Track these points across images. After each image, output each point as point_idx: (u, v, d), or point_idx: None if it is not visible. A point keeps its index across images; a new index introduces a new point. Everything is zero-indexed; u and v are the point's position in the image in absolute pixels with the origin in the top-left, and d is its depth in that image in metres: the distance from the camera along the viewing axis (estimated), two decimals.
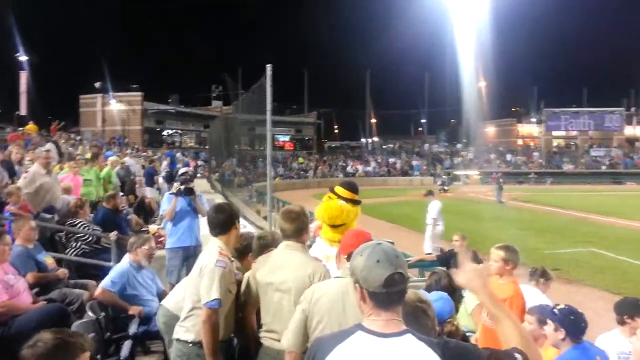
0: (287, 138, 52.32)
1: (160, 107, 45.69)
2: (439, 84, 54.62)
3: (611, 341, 3.57)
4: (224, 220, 3.28)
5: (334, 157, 51.07)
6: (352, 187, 4.46)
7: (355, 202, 4.36)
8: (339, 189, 4.37)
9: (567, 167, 46.93)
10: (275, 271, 3.04)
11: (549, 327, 3.19)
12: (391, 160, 49.72)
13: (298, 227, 3.13)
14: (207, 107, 50.14)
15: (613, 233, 15.85)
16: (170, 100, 48.98)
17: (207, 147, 40.58)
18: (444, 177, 37.72)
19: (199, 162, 37.52)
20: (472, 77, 48.03)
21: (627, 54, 63.36)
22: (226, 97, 48.56)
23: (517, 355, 1.57)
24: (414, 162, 48.77)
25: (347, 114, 62.74)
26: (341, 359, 1.58)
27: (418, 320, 1.99)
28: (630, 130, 53.29)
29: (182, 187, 6.83)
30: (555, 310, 3.18)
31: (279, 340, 2.92)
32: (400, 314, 1.64)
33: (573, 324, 3.08)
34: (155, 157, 19.73)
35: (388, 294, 1.58)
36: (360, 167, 47.04)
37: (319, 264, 3.05)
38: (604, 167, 46.22)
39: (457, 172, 45.31)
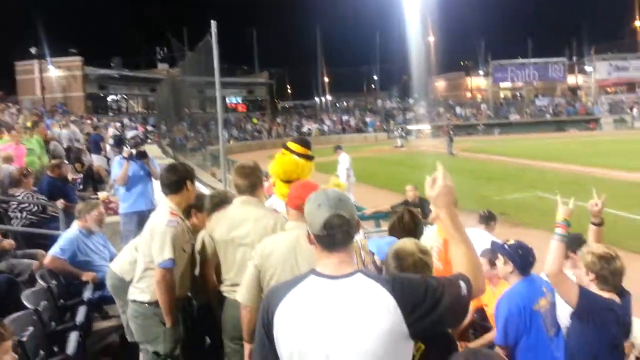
0: (239, 100, 51.24)
1: (103, 72, 43.48)
2: (390, 40, 54.57)
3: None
4: (175, 180, 3.21)
5: (288, 117, 50.63)
6: (305, 143, 4.42)
7: (308, 158, 4.35)
8: (292, 145, 4.33)
9: (514, 118, 48.49)
10: (235, 227, 3.01)
11: (500, 261, 3.35)
12: (345, 118, 49.83)
13: (252, 182, 3.10)
14: (153, 70, 48.14)
15: (557, 177, 16.66)
16: (112, 64, 46.64)
17: (155, 111, 39.25)
18: (400, 133, 38.15)
19: (148, 128, 36.36)
20: (421, 32, 48.19)
21: (568, 5, 65.08)
22: (172, 59, 46.61)
23: (461, 283, 1.63)
24: (368, 119, 49.12)
25: (299, 73, 61.98)
26: (293, 303, 1.60)
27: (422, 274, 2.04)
28: (572, 80, 55.35)
29: (134, 150, 6.62)
30: (506, 246, 3.33)
31: None
32: (350, 255, 1.66)
33: (521, 258, 3.21)
34: (100, 124, 18.94)
35: (329, 235, 1.60)
36: (314, 126, 46.93)
37: (279, 215, 3.03)
38: (548, 116, 48.04)
39: (409, 127, 46.00)
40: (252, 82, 52.18)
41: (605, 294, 2.81)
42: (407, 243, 2.43)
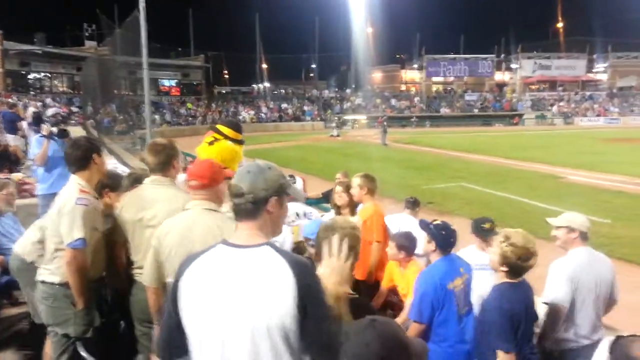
0: (173, 83, 49.44)
1: (24, 47, 40.43)
2: (329, 30, 54.92)
3: (469, 255, 4.02)
4: (81, 156, 3.07)
5: (225, 103, 49.60)
6: (236, 126, 4.36)
7: (240, 142, 4.30)
8: (224, 128, 4.25)
9: (445, 111, 50.37)
10: (144, 207, 2.93)
11: (425, 239, 3.50)
12: (283, 105, 49.60)
13: (163, 160, 3.00)
14: (79, 47, 45.35)
15: (481, 169, 17.56)
16: (35, 39, 43.43)
17: (81, 92, 37.10)
18: (336, 123, 38.61)
19: (73, 109, 34.35)
20: (360, 24, 48.82)
21: (498, 5, 68.14)
22: (101, 36, 44.21)
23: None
24: (306, 108, 49.19)
25: (237, 59, 60.87)
26: (197, 271, 1.63)
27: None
28: (499, 76, 58.26)
29: (55, 128, 6.25)
30: (431, 225, 3.47)
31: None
32: (262, 227, 1.69)
33: (443, 238, 3.36)
34: (19, 102, 17.68)
35: (236, 204, 1.69)
36: (252, 113, 46.34)
37: (187, 197, 2.93)
38: (476, 111, 50.33)
39: (346, 117, 46.57)
40: (187, 65, 50.46)
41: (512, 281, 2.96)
42: (338, 218, 2.57)
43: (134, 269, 3.00)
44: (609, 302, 3.52)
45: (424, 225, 3.51)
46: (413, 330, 3.28)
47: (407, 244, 3.80)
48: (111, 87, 22.87)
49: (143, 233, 2.91)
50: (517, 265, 2.85)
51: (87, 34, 46.80)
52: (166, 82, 48.64)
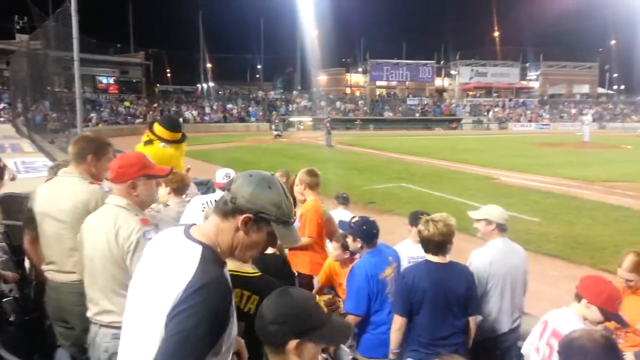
0: (111, 80, 47.49)
1: None
2: (275, 31, 54.74)
3: (404, 248, 4.14)
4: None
5: (167, 102, 48.25)
6: (173, 126, 4.24)
7: (177, 142, 4.20)
8: (159, 129, 4.14)
9: (388, 114, 51.52)
10: (51, 200, 2.82)
11: (349, 238, 3.57)
12: (228, 106, 48.94)
13: (76, 152, 2.89)
14: (9, 41, 42.68)
15: (420, 170, 18.09)
16: None
17: (11, 87, 34.91)
18: (277, 122, 38.57)
19: (2, 105, 32.36)
20: (306, 27, 49.08)
21: (439, 14, 70.54)
22: (33, 29, 41.82)
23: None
24: (251, 109, 48.78)
25: (180, 57, 59.53)
26: (149, 246, 1.67)
27: None
28: (439, 82, 60.34)
29: None
30: (351, 224, 3.52)
31: (60, 272, 2.78)
32: (220, 232, 1.58)
33: (366, 233, 3.47)
34: None
35: (223, 194, 1.66)
36: (195, 113, 45.36)
37: (95, 190, 2.83)
38: (417, 115, 51.80)
39: (291, 119, 46.59)
40: (126, 62, 48.58)
41: (437, 259, 3.14)
42: None
43: (45, 266, 2.87)
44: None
45: (345, 225, 3.62)
46: (351, 322, 3.34)
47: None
48: (44, 83, 21.74)
49: (49, 227, 2.80)
50: (439, 241, 3.06)
51: (18, 27, 44.14)
52: (104, 79, 46.68)
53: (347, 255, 3.88)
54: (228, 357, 1.56)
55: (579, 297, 2.60)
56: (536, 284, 6.48)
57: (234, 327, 1.53)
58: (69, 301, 2.76)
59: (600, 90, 62.90)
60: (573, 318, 2.57)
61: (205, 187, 5.90)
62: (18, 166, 9.29)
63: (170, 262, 1.52)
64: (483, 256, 3.53)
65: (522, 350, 2.87)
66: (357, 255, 4.00)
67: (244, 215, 1.54)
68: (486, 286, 3.47)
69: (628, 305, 2.93)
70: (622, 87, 67.15)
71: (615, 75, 65.82)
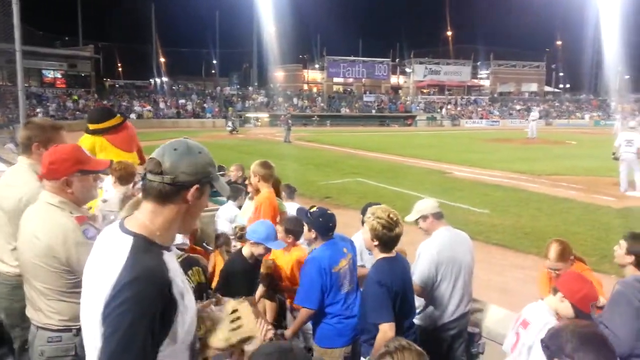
0: (58, 74, 45.51)
1: None
2: (231, 25, 54.03)
3: (359, 239, 4.16)
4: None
5: (117, 97, 46.72)
6: (107, 115, 4.10)
7: (92, 133, 4.07)
8: (94, 126, 4.00)
9: (345, 111, 51.86)
10: (1, 190, 2.73)
11: (305, 227, 3.53)
12: (182, 101, 47.89)
13: (22, 141, 2.78)
14: None
15: (376, 165, 18.33)
16: None
17: None
18: (232, 119, 38.11)
19: None
20: (263, 22, 48.63)
21: (395, 13, 71.61)
22: None
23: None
24: (206, 105, 47.95)
25: (131, 51, 57.89)
26: (96, 243, 1.59)
27: None
28: (394, 79, 61.31)
29: None
30: (308, 214, 3.48)
31: (4, 263, 2.67)
32: (166, 216, 1.52)
33: (322, 225, 3.42)
34: None
35: (149, 181, 1.53)
36: (148, 108, 44.14)
37: (32, 185, 2.66)
38: (373, 111, 52.43)
39: (248, 115, 46.14)
40: (74, 55, 46.65)
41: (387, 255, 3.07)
42: None
43: None
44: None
45: (302, 213, 3.56)
46: (304, 315, 3.33)
47: (295, 229, 3.85)
48: None
49: None
50: (385, 235, 2.92)
51: None
52: (50, 73, 44.68)
53: (290, 240, 3.88)
54: (190, 339, 1.52)
55: (555, 290, 2.66)
56: (485, 273, 6.72)
57: (188, 310, 1.47)
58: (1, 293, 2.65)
59: (547, 88, 65.71)
60: (544, 310, 2.64)
61: None
62: None
63: (102, 257, 1.47)
64: (430, 247, 3.61)
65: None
66: (299, 243, 4.02)
67: (192, 189, 1.51)
68: (436, 275, 3.55)
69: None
70: (568, 85, 70.57)
71: (562, 74, 69.13)
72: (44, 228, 2.21)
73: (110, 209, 3.99)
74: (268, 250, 3.58)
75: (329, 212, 3.52)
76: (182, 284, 1.49)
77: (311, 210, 3.51)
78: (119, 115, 4.53)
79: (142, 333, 1.33)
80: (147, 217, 1.50)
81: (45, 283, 2.23)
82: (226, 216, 5.56)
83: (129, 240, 1.45)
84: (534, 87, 62.90)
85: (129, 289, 1.34)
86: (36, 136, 2.77)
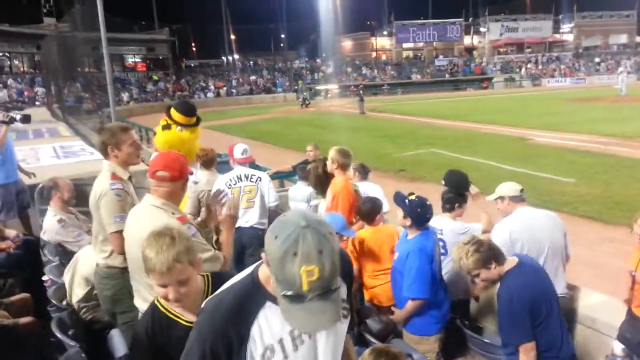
0: (138, 58, 48.01)
1: None
2: None
3: (441, 224, 4.12)
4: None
5: (194, 77, 48.58)
6: (188, 110, 4.36)
7: (192, 126, 4.33)
8: (175, 114, 4.27)
9: (416, 77, 50.49)
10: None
11: (400, 212, 3.42)
12: (253, 77, 48.90)
13: (98, 146, 3.23)
14: (38, 25, 43.43)
15: (451, 134, 17.82)
16: None
17: (43, 71, 35.74)
18: (304, 93, 38.32)
19: (38, 90, 33.27)
20: None
21: None
22: (60, 12, 42.40)
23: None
24: (277, 80, 48.61)
25: (204, 31, 59.44)
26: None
27: None
28: (468, 40, 58.45)
29: (18, 115, 6.11)
30: (407, 201, 3.37)
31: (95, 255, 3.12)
32: None
33: (419, 215, 3.33)
34: None
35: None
36: (224, 89, 45.36)
37: (103, 182, 3.04)
38: (447, 76, 50.60)
39: (318, 87, 46.24)
40: (152, 39, 48.94)
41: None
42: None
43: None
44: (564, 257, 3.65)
45: (400, 199, 3.42)
46: (415, 305, 3.30)
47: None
48: (74, 65, 22.19)
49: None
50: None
51: (45, 10, 44.80)
52: (131, 58, 47.24)
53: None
54: None
55: None
56: (572, 247, 6.45)
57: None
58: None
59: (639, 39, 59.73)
60: None
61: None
62: (57, 151, 9.63)
63: None
64: (502, 228, 3.54)
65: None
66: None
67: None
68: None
69: None
70: None
71: None
72: (149, 227, 2.46)
73: (201, 189, 4.60)
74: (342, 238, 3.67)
75: (427, 202, 3.38)
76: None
77: (410, 198, 3.37)
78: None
79: None
80: None
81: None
82: (301, 197, 5.48)
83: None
84: (623, 38, 57.24)
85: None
86: (109, 140, 3.07)
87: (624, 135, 14.97)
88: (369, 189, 4.92)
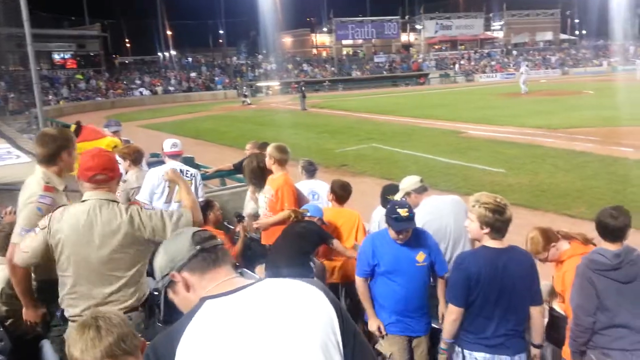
0: (68, 55, 45.58)
1: None
2: None
3: (379, 213, 4.24)
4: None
5: (129, 74, 46.76)
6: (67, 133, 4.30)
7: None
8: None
9: (356, 74, 51.23)
10: None
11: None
12: (192, 74, 47.78)
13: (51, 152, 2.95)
14: None
15: (390, 129, 18.28)
16: None
17: None
18: (244, 89, 37.94)
19: None
20: None
21: None
22: None
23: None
24: (216, 77, 47.76)
25: (138, 26, 57.37)
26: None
27: None
28: (405, 37, 59.99)
29: None
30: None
31: None
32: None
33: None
34: None
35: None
36: (160, 88, 43.90)
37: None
38: (385, 72, 51.67)
39: (259, 84, 45.89)
40: (82, 35, 46.54)
41: (496, 244, 2.81)
42: None
43: None
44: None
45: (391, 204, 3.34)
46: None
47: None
48: None
49: None
50: (497, 220, 2.74)
51: None
52: (60, 55, 44.79)
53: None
54: None
55: None
56: None
57: None
58: None
59: (563, 36, 63.65)
60: None
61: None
62: None
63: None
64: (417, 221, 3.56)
65: None
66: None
67: None
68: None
69: None
70: (584, 32, 68.07)
71: (577, 20, 66.58)
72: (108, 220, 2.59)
73: (131, 187, 4.82)
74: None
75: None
76: None
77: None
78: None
79: None
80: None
81: None
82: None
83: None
84: (549, 35, 60.95)
85: None
86: (66, 144, 2.95)
87: (549, 126, 15.94)
88: (316, 186, 4.90)
